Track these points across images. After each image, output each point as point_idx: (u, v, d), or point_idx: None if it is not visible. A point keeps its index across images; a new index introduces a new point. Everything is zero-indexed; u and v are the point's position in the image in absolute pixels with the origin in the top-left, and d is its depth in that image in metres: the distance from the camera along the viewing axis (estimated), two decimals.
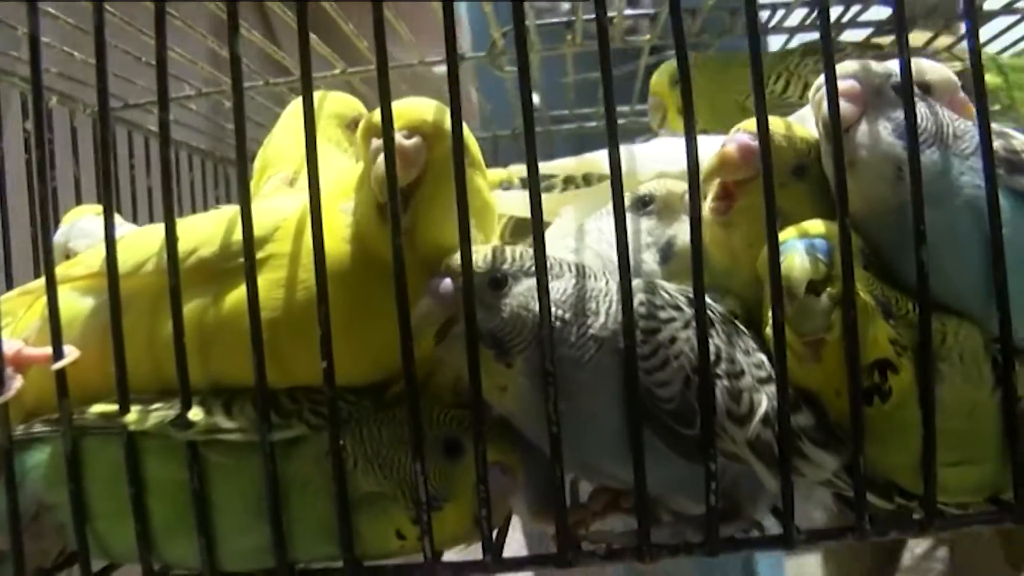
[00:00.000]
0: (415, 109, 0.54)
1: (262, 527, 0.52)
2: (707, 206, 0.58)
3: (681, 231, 0.62)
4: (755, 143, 0.53)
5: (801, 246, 0.51)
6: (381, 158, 0.51)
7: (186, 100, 0.96)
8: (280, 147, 0.75)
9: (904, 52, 0.51)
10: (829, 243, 0.52)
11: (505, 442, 0.55)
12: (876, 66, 0.58)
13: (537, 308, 0.50)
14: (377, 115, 0.52)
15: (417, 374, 0.52)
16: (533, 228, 0.50)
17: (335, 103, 0.77)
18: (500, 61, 0.89)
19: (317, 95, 0.69)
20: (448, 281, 0.52)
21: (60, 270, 0.60)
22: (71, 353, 0.54)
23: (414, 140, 0.53)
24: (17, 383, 0.54)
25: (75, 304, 0.59)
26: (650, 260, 0.63)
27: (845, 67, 0.57)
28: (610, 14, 0.87)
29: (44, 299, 0.55)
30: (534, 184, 0.50)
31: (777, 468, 0.51)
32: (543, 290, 0.50)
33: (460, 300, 0.50)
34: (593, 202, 0.68)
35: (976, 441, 0.53)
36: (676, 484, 0.54)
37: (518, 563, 0.53)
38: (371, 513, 0.53)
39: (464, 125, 0.52)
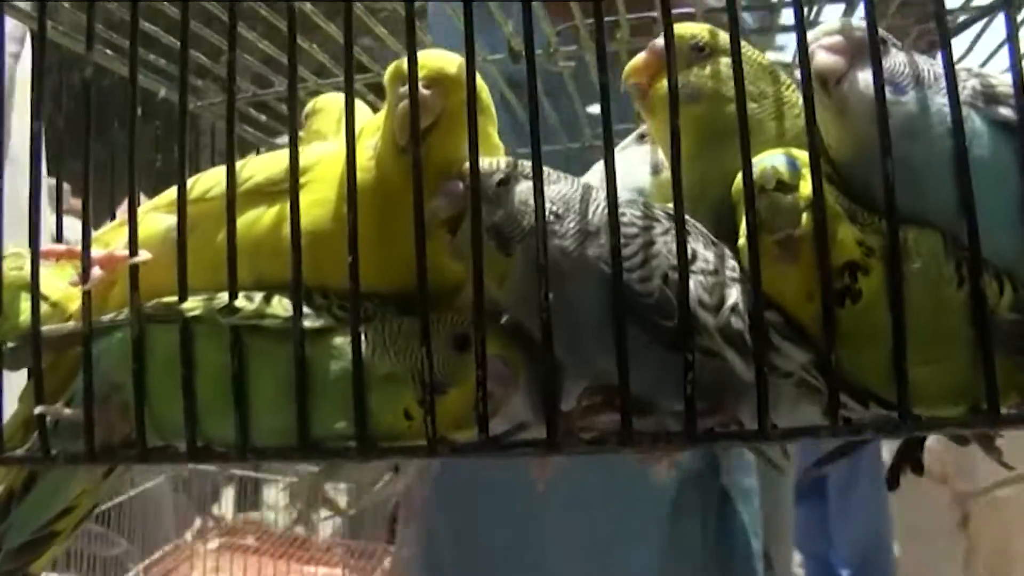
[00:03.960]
0: (436, 62, 0.64)
1: (290, 406, 0.60)
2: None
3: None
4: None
5: (774, 157, 0.57)
6: (404, 103, 0.61)
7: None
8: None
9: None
10: (798, 160, 0.57)
11: (508, 340, 0.61)
12: (857, 22, 0.63)
13: (534, 203, 0.57)
14: (403, 64, 0.62)
15: (440, 292, 0.60)
16: (532, 141, 0.57)
17: None
18: (555, 58, 0.97)
19: None
20: (457, 182, 0.60)
21: (151, 201, 0.74)
22: (143, 255, 0.64)
23: (432, 90, 0.63)
24: (98, 276, 0.64)
25: (159, 222, 0.70)
26: (643, 173, 0.75)
27: (825, 26, 0.63)
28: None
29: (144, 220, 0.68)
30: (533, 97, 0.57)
31: (749, 358, 0.55)
32: (538, 188, 0.56)
33: (466, 197, 0.58)
34: None
35: (944, 339, 0.56)
36: (662, 379, 0.58)
37: (511, 445, 0.58)
38: (384, 394, 0.60)
39: (479, 78, 0.62)
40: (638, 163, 0.76)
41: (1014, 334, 0.57)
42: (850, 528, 2.69)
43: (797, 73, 0.63)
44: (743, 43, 0.65)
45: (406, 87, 0.61)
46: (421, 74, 0.60)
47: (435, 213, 0.60)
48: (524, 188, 0.60)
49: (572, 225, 0.58)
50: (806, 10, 0.95)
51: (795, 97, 0.66)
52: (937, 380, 0.57)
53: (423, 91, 0.61)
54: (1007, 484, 1.87)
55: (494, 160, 0.62)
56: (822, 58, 0.61)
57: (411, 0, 0.59)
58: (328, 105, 0.90)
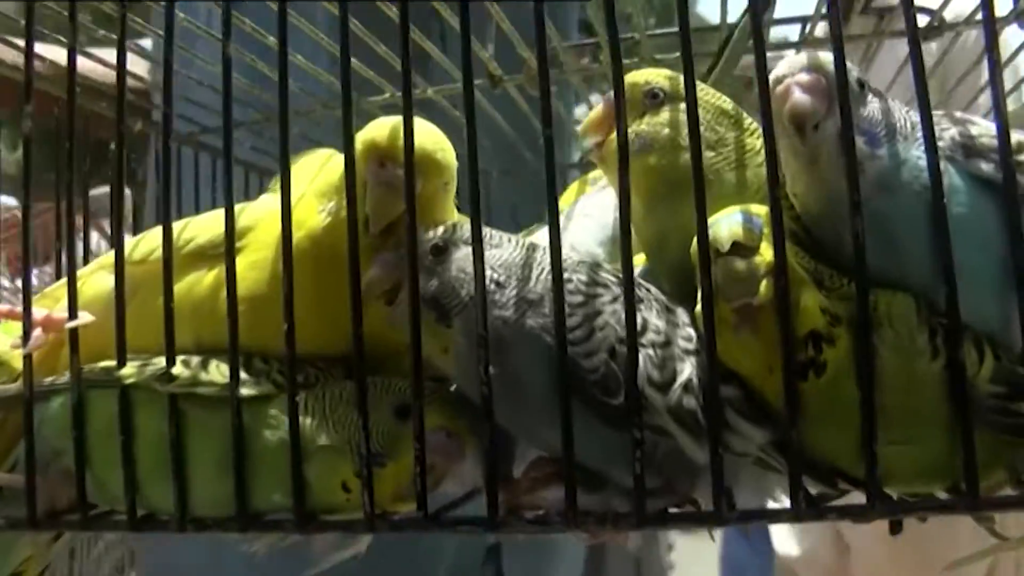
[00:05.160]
0: (418, 144, 0.56)
1: (229, 476, 0.57)
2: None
3: None
4: None
5: (732, 216, 0.52)
6: (378, 191, 0.58)
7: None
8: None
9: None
10: (759, 218, 0.52)
11: (454, 410, 0.58)
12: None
13: (473, 272, 0.53)
14: (382, 137, 0.59)
15: (386, 354, 0.57)
16: (471, 201, 0.54)
17: None
18: (533, 83, 0.93)
19: None
20: (389, 253, 0.57)
21: (100, 259, 0.72)
22: (84, 317, 0.62)
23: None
24: (39, 339, 0.62)
25: (103, 283, 0.68)
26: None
27: (799, 60, 0.57)
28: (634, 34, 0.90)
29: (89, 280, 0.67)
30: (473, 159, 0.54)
31: (702, 439, 0.51)
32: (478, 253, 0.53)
33: (403, 268, 0.55)
34: None
35: (917, 417, 0.51)
36: (609, 454, 0.54)
37: (451, 522, 0.55)
38: (322, 465, 0.57)
39: (445, 146, 0.60)
40: (609, 208, 0.70)
41: (996, 408, 0.52)
42: None
43: None
44: (700, 85, 0.61)
45: (383, 168, 0.58)
46: (395, 154, 0.57)
47: (370, 285, 0.56)
48: (462, 255, 0.56)
49: (513, 293, 0.54)
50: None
51: (759, 143, 0.61)
52: (911, 457, 0.52)
53: (397, 173, 0.57)
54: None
55: (431, 227, 0.58)
56: (799, 99, 0.54)
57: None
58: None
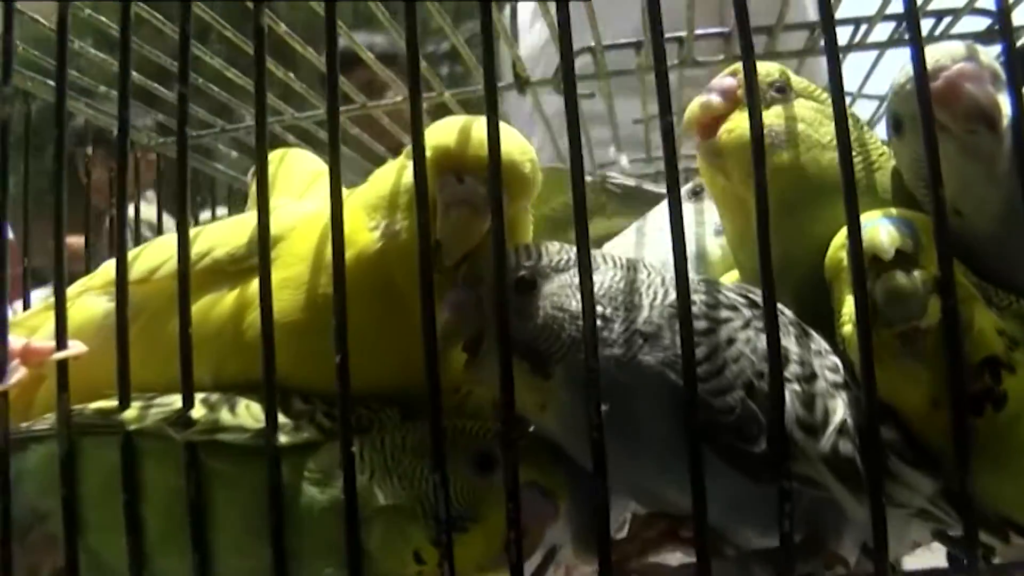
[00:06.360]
0: (505, 153, 0.46)
1: (262, 548, 0.46)
2: None
3: None
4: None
5: (885, 221, 0.44)
6: (456, 213, 0.48)
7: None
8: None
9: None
10: (915, 224, 0.44)
11: (546, 462, 0.48)
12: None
13: (573, 306, 0.44)
14: (459, 143, 0.49)
15: (447, 388, 0.46)
16: (575, 218, 0.44)
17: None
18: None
19: None
20: (465, 291, 0.47)
21: (84, 279, 0.61)
22: (75, 347, 0.50)
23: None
24: (18, 374, 0.51)
25: (94, 306, 0.57)
26: (708, 234, 0.63)
27: (953, 50, 0.48)
28: (680, 33, 0.82)
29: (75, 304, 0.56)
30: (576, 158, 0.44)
31: (860, 490, 0.43)
32: (586, 279, 0.43)
33: (484, 310, 0.45)
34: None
35: None
36: (741, 511, 0.46)
37: None
38: (386, 532, 0.47)
39: (534, 157, 0.50)
40: (693, 223, 0.62)
41: None
42: None
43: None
44: (811, 84, 0.54)
45: (460, 183, 0.48)
46: (479, 165, 0.46)
47: (448, 335, 0.46)
48: (555, 288, 0.46)
49: (622, 328, 0.45)
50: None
51: (883, 144, 0.54)
52: None
53: (477, 189, 0.47)
54: None
55: (511, 251, 0.47)
56: (979, 91, 0.46)
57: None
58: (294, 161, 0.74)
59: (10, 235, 0.62)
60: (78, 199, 0.77)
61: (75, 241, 0.98)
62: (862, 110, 0.97)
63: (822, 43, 0.56)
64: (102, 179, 0.93)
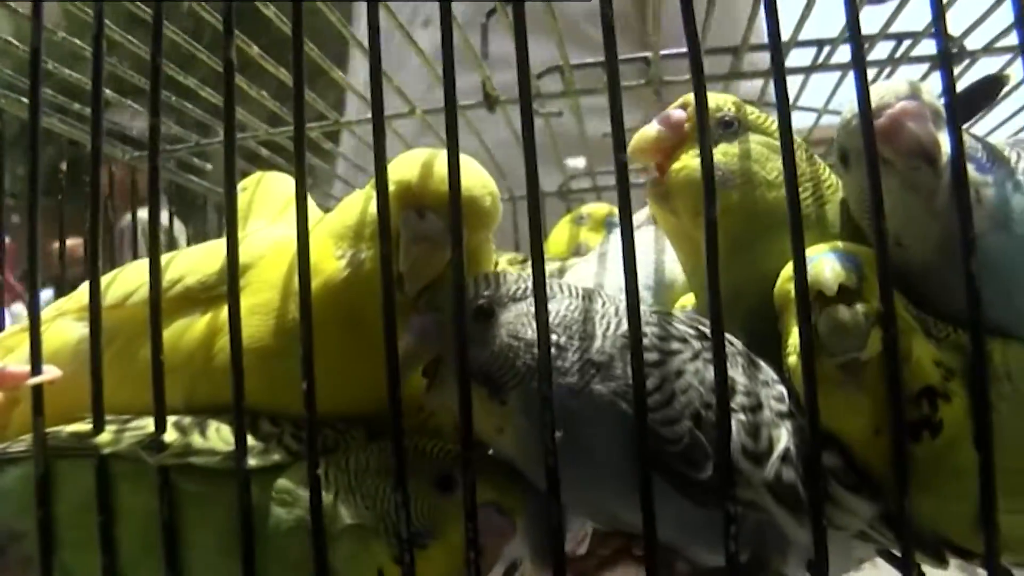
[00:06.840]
0: (465, 189, 0.47)
1: (233, 567, 0.48)
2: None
3: None
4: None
5: (831, 256, 0.46)
6: (417, 248, 0.49)
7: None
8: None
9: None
10: (859, 258, 0.46)
11: (504, 481, 0.50)
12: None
13: (529, 335, 0.46)
14: (420, 178, 0.50)
15: (409, 408, 0.48)
16: (532, 247, 0.46)
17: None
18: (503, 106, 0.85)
19: None
20: (427, 317, 0.48)
21: (58, 304, 0.61)
22: (49, 371, 0.51)
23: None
24: None
25: (69, 331, 0.58)
26: (664, 260, 0.63)
27: (895, 87, 0.50)
28: (646, 53, 0.84)
29: (50, 328, 0.56)
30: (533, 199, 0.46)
31: (802, 515, 0.45)
32: (541, 309, 0.44)
33: (445, 336, 0.46)
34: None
35: None
36: (690, 532, 0.47)
37: None
38: (351, 549, 0.48)
39: (494, 190, 0.51)
40: (653, 249, 0.63)
41: None
42: None
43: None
44: (764, 114, 0.55)
45: (422, 219, 0.50)
46: (438, 200, 0.48)
47: (409, 360, 0.47)
48: (511, 317, 0.48)
49: (576, 356, 0.46)
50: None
51: (834, 179, 0.55)
52: None
53: (438, 225, 0.49)
54: None
55: (471, 280, 0.49)
56: (921, 129, 0.47)
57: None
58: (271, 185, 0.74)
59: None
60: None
61: (76, 244, 0.99)
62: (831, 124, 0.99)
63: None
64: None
